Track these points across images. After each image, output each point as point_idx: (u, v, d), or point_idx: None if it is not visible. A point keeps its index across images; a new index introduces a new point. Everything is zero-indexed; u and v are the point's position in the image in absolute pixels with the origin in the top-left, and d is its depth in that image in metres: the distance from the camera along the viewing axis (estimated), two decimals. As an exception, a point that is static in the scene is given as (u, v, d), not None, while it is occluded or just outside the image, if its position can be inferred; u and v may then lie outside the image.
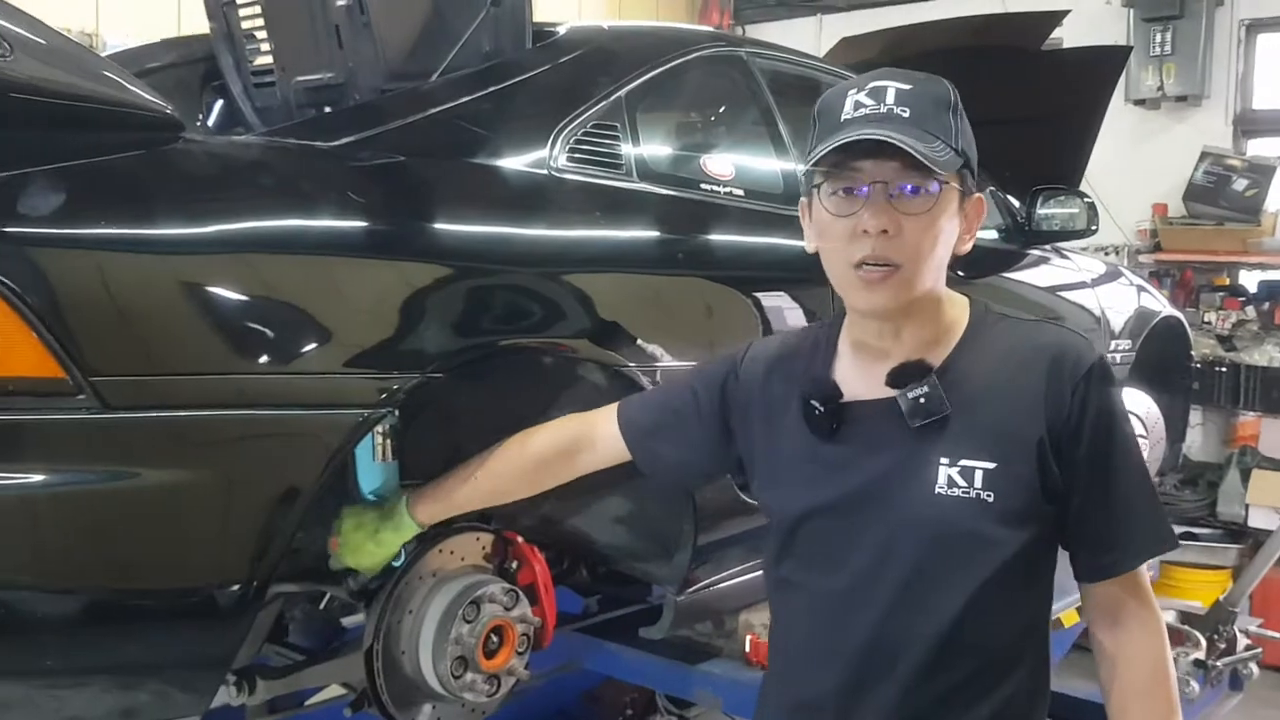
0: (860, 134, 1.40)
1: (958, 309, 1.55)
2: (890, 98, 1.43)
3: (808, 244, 1.56)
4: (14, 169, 1.46)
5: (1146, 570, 1.53)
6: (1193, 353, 4.59)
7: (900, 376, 1.48)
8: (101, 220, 1.52)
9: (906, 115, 1.42)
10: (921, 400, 1.46)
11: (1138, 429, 3.95)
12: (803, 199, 1.56)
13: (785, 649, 1.64)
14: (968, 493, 1.44)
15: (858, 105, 1.44)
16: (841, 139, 1.41)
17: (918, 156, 1.39)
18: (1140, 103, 6.49)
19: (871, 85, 1.46)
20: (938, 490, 1.45)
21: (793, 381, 1.59)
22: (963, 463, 1.45)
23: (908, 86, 1.45)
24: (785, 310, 2.36)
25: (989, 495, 1.44)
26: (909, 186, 1.42)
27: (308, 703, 2.48)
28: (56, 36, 1.60)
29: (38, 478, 1.40)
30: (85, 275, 1.45)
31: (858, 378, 1.54)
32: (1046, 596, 1.56)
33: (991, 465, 1.44)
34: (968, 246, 1.52)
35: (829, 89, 1.52)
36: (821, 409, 1.52)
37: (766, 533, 1.64)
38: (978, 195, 1.52)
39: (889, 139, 1.39)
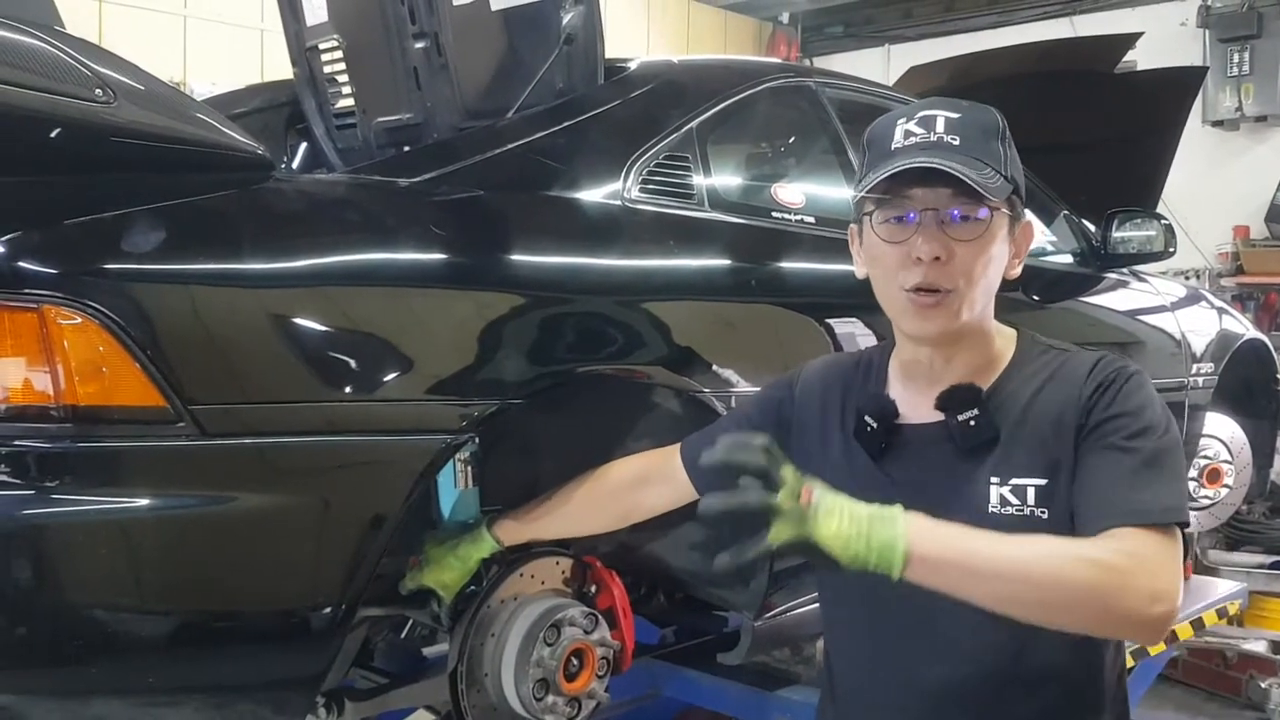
0: (912, 161, 1.42)
1: (1005, 339, 1.56)
2: (940, 126, 1.45)
3: (858, 270, 1.57)
4: (117, 209, 1.53)
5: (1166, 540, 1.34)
6: (1279, 376, 4.50)
7: (949, 400, 1.48)
8: (199, 256, 1.59)
9: (956, 143, 1.43)
10: (971, 423, 1.46)
11: (1222, 454, 3.87)
12: (852, 225, 1.58)
13: (845, 676, 1.62)
14: (1021, 510, 1.43)
15: (908, 134, 1.46)
16: (895, 167, 1.42)
17: (969, 183, 1.40)
18: (1219, 124, 6.40)
19: (921, 114, 1.47)
20: (990, 510, 1.44)
21: (847, 401, 1.60)
22: (1013, 481, 1.44)
23: (956, 115, 1.46)
24: (857, 335, 2.36)
25: (1043, 512, 1.42)
26: (958, 213, 1.43)
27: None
28: (156, 82, 1.69)
29: (141, 502, 1.46)
30: (185, 309, 1.52)
31: (907, 402, 1.54)
32: None
33: (1042, 482, 1.43)
34: (1017, 271, 1.52)
35: (878, 118, 1.54)
36: (874, 426, 1.52)
37: None
38: (1027, 220, 1.52)
39: (940, 166, 1.40)
